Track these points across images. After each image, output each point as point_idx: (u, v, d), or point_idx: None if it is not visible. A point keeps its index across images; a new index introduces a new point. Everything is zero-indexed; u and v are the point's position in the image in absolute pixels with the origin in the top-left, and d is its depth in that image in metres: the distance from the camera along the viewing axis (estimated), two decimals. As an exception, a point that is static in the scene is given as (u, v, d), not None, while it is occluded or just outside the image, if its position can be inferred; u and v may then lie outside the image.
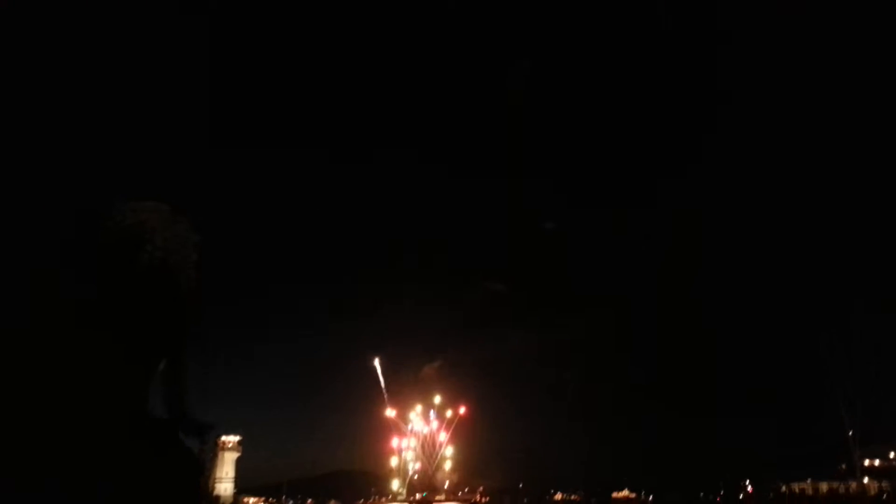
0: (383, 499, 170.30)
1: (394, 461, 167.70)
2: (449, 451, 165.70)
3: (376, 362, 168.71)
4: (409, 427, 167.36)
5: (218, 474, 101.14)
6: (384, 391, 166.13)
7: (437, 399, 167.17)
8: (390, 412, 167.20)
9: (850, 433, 69.62)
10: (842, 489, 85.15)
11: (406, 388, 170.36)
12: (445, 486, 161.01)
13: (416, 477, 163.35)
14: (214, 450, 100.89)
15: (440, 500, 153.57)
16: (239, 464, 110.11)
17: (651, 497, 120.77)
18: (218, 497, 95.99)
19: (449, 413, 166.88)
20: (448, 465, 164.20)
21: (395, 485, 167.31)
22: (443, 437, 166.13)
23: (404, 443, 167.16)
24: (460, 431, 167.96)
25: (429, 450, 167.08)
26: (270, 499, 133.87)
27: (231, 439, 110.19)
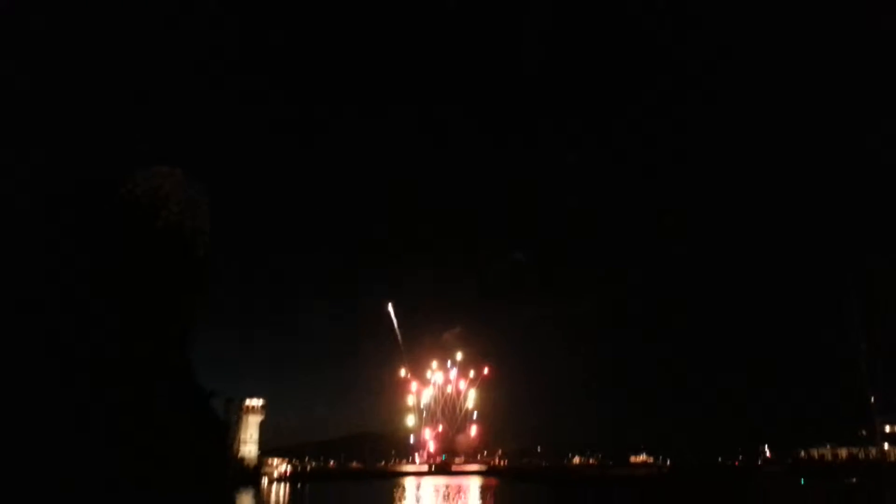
0: (403, 461, 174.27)
1: (410, 399, 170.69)
2: (472, 394, 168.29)
3: (390, 307, 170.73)
4: (431, 380, 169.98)
5: (242, 437, 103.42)
6: (399, 338, 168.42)
7: (459, 356, 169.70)
8: (404, 373, 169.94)
9: (872, 400, 69.02)
10: (861, 455, 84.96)
11: (426, 350, 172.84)
12: (461, 456, 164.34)
13: (431, 442, 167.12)
14: (239, 413, 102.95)
15: (460, 463, 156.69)
16: (263, 426, 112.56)
17: (668, 461, 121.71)
18: (242, 458, 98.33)
19: (472, 374, 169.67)
20: (473, 429, 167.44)
21: (411, 420, 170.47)
22: (463, 386, 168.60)
23: (424, 391, 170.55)
24: (480, 396, 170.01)
25: (449, 413, 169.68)
26: (294, 460, 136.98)
27: (255, 403, 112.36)
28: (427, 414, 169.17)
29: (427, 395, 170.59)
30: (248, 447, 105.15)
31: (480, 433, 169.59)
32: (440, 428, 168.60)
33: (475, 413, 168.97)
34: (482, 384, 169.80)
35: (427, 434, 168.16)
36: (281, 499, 65.70)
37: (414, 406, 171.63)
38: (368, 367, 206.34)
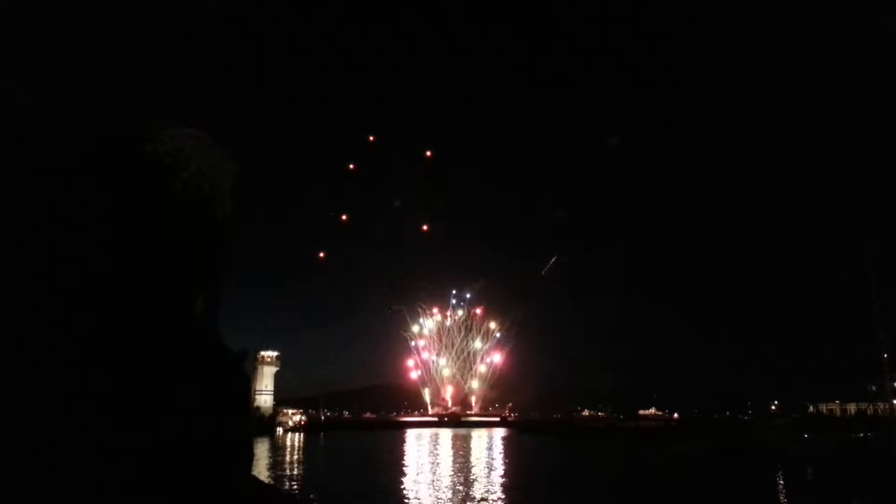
0: (415, 412, 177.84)
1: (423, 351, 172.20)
2: (480, 345, 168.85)
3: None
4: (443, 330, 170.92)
5: (257, 387, 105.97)
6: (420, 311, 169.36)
7: (479, 310, 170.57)
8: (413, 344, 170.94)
9: (885, 355, 68.44)
10: (870, 410, 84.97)
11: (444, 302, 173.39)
12: (474, 406, 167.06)
13: (446, 396, 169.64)
14: (253, 364, 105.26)
15: (470, 415, 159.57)
16: (277, 377, 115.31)
17: (676, 415, 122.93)
18: (258, 408, 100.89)
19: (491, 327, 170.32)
20: (475, 384, 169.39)
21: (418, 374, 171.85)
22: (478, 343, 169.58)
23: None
24: (498, 348, 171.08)
25: (461, 366, 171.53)
26: (310, 410, 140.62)
27: (270, 354, 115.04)
28: (438, 368, 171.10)
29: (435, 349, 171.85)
30: (263, 397, 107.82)
31: (496, 387, 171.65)
32: (451, 381, 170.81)
33: (486, 364, 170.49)
34: (497, 344, 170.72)
35: (439, 386, 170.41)
36: (296, 447, 67.60)
37: (421, 363, 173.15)
38: (386, 325, 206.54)
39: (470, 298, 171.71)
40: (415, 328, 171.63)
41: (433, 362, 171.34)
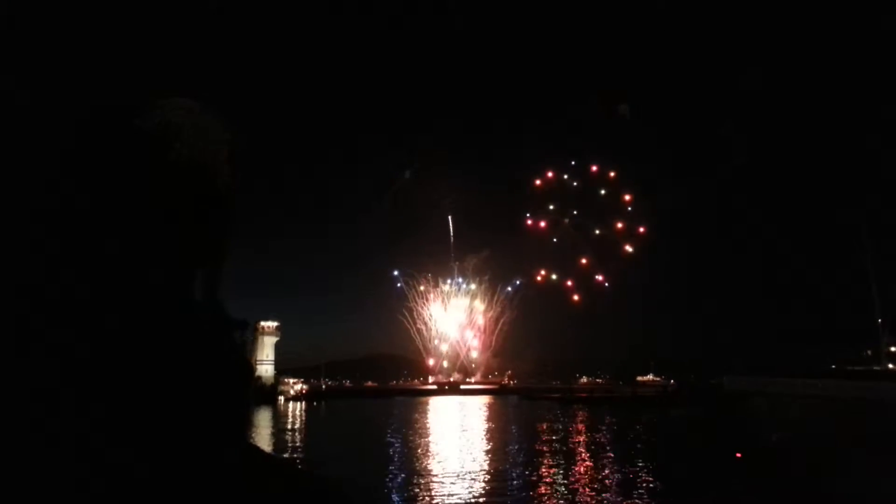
0: (415, 380, 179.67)
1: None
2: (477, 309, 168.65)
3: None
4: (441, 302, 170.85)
5: (258, 357, 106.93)
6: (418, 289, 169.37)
7: (478, 301, 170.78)
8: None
9: (880, 320, 68.73)
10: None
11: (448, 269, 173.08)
12: (473, 377, 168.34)
13: (445, 364, 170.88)
14: (254, 334, 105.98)
15: (470, 383, 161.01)
16: (278, 347, 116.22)
17: (672, 381, 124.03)
18: (259, 377, 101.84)
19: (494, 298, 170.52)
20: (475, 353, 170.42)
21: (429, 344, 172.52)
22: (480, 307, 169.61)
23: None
24: (499, 317, 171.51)
25: (461, 333, 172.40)
26: (311, 380, 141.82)
27: (270, 324, 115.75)
28: (437, 336, 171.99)
29: (436, 317, 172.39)
30: (265, 367, 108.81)
31: (499, 356, 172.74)
32: (451, 350, 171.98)
33: (484, 332, 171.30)
34: (499, 314, 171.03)
35: (440, 352, 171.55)
36: (297, 415, 68.48)
37: (422, 331, 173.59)
38: (386, 294, 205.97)
39: (473, 267, 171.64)
40: (415, 296, 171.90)
41: (434, 332, 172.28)
